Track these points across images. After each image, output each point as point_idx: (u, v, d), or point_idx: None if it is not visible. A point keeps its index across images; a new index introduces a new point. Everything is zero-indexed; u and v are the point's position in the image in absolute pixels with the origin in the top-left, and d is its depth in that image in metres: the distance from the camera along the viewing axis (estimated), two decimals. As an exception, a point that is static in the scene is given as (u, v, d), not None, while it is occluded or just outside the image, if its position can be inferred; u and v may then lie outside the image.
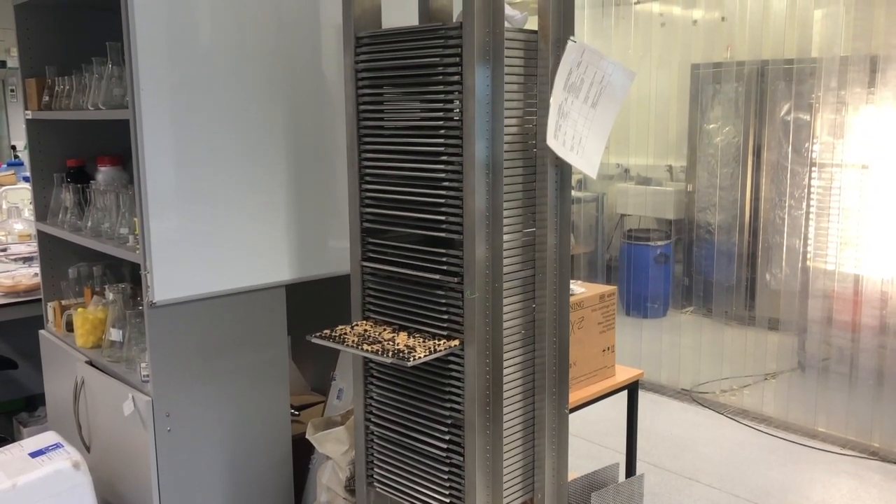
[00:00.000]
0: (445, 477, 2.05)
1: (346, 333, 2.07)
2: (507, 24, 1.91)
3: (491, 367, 1.97)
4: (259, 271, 2.47)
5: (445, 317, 1.99)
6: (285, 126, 2.47)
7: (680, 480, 3.78)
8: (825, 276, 4.53)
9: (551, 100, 1.95)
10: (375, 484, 2.26)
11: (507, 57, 1.89)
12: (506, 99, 1.91)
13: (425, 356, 1.87)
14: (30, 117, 2.97)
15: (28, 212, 4.79)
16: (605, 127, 2.07)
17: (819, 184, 4.58)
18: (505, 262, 1.97)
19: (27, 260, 4.04)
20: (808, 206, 4.67)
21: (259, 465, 2.56)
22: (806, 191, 4.70)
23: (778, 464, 3.93)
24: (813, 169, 4.64)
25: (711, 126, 5.74)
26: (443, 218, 1.96)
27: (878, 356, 4.22)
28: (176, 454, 2.37)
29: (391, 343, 1.98)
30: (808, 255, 4.67)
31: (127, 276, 2.99)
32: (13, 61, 9.88)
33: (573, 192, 2.35)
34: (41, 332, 3.09)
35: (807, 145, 4.72)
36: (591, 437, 4.23)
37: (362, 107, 2.13)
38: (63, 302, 3.04)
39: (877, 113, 4.24)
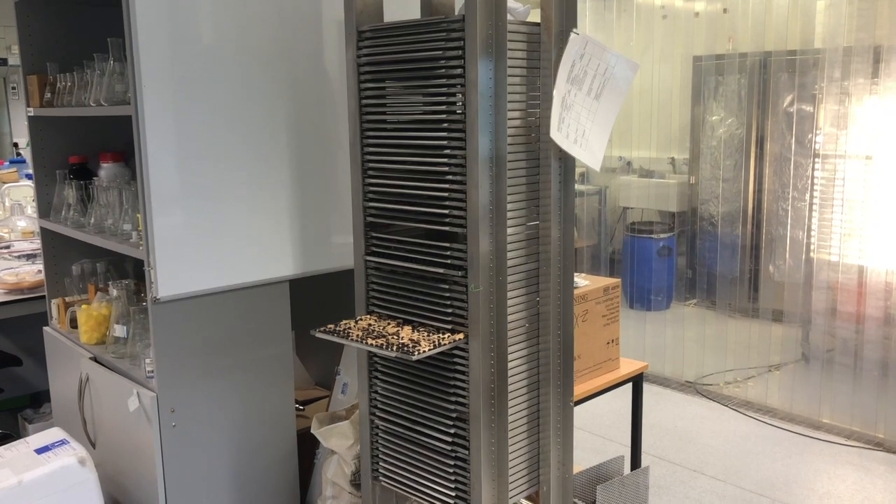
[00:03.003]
0: (451, 470, 2.05)
1: (350, 328, 2.07)
2: (509, 17, 1.90)
3: (495, 361, 1.97)
4: (263, 266, 2.47)
5: (450, 310, 1.99)
6: (288, 121, 2.47)
7: (685, 472, 3.78)
8: (829, 267, 4.52)
9: (554, 92, 1.95)
10: (381, 478, 2.27)
11: (509, 50, 1.88)
12: (509, 92, 1.90)
13: (430, 350, 1.87)
14: (31, 114, 2.97)
15: (31, 209, 4.80)
16: (608, 119, 2.06)
17: (822, 175, 4.58)
18: (509, 255, 1.97)
19: (31, 257, 4.05)
20: (812, 197, 4.66)
21: (264, 459, 2.56)
22: (809, 182, 4.69)
23: (782, 455, 3.94)
24: (816, 160, 4.63)
25: (714, 118, 5.73)
26: (446, 212, 1.95)
27: (882, 347, 4.22)
28: (181, 449, 2.37)
29: (395, 337, 1.98)
30: (812, 247, 4.67)
31: (130, 272, 2.99)
32: (14, 58, 9.88)
33: (576, 186, 2.35)
34: (45, 328, 3.09)
35: (810, 136, 4.71)
36: (596, 430, 4.23)
37: (365, 101, 2.12)
38: (67, 299, 3.04)
39: (880, 103, 4.22)
